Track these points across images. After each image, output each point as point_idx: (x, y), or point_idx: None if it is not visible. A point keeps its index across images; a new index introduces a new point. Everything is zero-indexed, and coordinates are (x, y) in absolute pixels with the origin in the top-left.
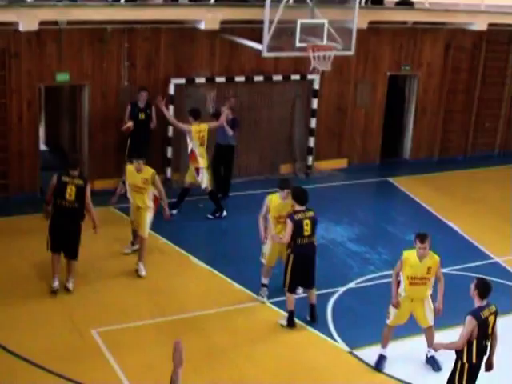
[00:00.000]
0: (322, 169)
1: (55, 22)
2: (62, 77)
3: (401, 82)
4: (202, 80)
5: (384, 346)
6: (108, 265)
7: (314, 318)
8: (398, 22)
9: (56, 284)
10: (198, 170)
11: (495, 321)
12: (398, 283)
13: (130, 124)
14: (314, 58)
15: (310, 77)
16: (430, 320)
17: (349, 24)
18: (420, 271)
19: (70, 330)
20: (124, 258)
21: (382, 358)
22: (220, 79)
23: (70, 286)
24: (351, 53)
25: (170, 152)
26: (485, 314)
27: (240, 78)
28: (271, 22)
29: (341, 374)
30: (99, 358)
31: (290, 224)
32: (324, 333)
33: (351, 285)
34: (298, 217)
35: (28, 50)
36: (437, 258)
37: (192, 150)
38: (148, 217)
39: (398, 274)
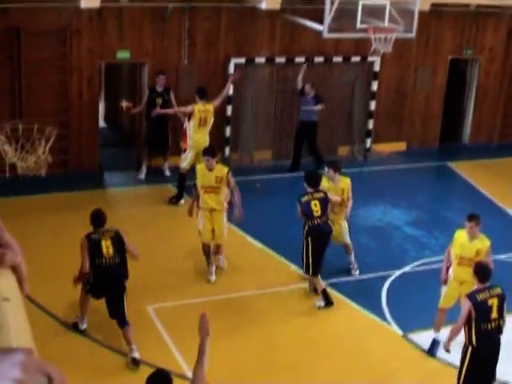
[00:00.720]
0: (380, 151)
1: (117, 0)
2: (123, 54)
3: (462, 66)
4: (261, 60)
5: (437, 330)
6: (166, 242)
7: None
8: (460, 4)
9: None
10: (184, 150)
11: (501, 304)
12: (450, 264)
13: (128, 104)
14: (374, 39)
15: (370, 59)
16: None
17: (411, 6)
18: (468, 252)
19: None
20: (186, 235)
21: (435, 343)
22: (280, 59)
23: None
24: (412, 35)
25: (228, 131)
26: (482, 296)
27: (300, 59)
28: (332, 3)
29: (394, 358)
30: (154, 335)
31: (297, 207)
32: (378, 315)
33: (407, 268)
34: (304, 199)
35: (89, 28)
36: (487, 242)
37: (185, 129)
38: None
39: (450, 252)
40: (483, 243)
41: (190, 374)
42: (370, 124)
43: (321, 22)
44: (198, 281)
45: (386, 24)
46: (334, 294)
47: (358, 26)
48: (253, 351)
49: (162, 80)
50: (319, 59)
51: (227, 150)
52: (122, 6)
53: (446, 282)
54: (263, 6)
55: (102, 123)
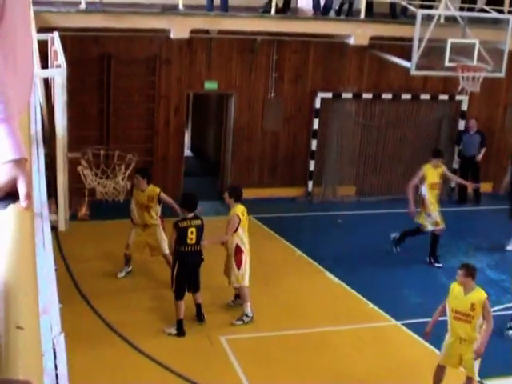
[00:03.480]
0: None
1: (206, 31)
2: (211, 85)
3: None
4: (348, 95)
5: None
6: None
7: (200, 316)
8: None
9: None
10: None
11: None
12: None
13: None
14: (462, 78)
15: (458, 97)
16: (474, 370)
17: (501, 45)
18: (463, 305)
19: (199, 333)
20: (259, 267)
21: None
22: (367, 95)
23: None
24: (502, 75)
25: (312, 165)
26: None
27: (387, 95)
28: (421, 40)
29: None
30: (226, 365)
31: (173, 231)
32: None
33: None
34: (182, 224)
35: (178, 57)
36: (483, 295)
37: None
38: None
39: (444, 306)
40: (478, 296)
41: None
42: (455, 163)
43: (409, 58)
44: (271, 314)
45: (475, 63)
46: (409, 333)
47: (446, 64)
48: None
49: None
50: (406, 96)
51: (310, 184)
52: (211, 38)
53: (428, 334)
54: (352, 41)
55: (187, 152)
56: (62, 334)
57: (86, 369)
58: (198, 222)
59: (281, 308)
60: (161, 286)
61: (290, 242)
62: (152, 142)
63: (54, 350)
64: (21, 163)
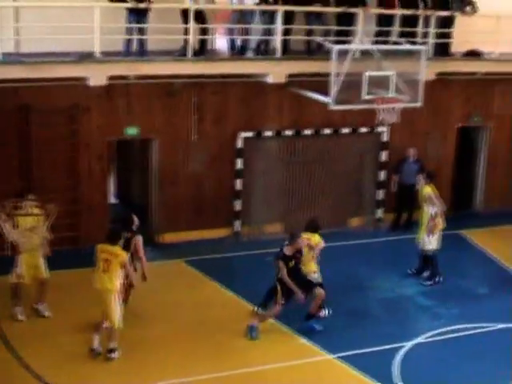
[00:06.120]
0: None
1: (124, 77)
2: (131, 131)
3: (472, 133)
4: (270, 133)
5: None
6: (172, 316)
7: None
8: (467, 72)
9: None
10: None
11: None
12: None
13: None
14: (381, 110)
15: (378, 129)
16: None
17: (416, 76)
18: None
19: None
20: (191, 309)
21: None
22: (288, 132)
23: None
24: (419, 105)
25: (238, 205)
26: None
27: (308, 131)
28: (338, 75)
29: None
30: None
31: None
32: None
33: (419, 339)
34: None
35: (98, 105)
36: None
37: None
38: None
39: None
40: None
41: None
42: (380, 194)
43: (327, 94)
44: (205, 355)
45: (392, 94)
46: (347, 368)
47: (364, 97)
48: None
49: None
50: (327, 131)
51: (237, 224)
52: (129, 83)
53: None
54: (270, 79)
55: (113, 199)
56: None
57: None
58: None
59: (213, 348)
60: None
61: (219, 283)
62: (76, 191)
63: None
64: None
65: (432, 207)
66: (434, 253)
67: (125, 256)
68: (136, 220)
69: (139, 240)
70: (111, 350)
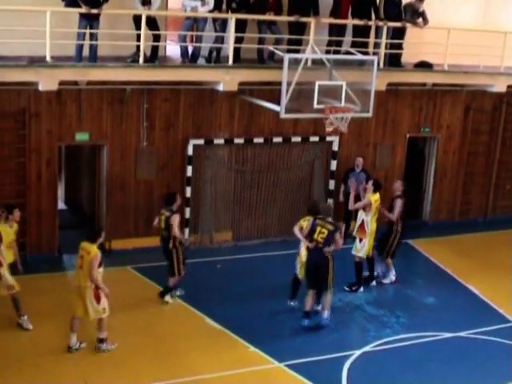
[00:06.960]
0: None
1: (75, 82)
2: (82, 136)
3: (420, 144)
4: (220, 141)
5: None
6: (120, 324)
7: None
8: (417, 83)
9: None
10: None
11: None
12: None
13: None
14: (331, 119)
15: (328, 138)
16: None
17: (367, 86)
18: None
19: None
20: (138, 316)
21: None
22: (239, 140)
23: None
24: (369, 115)
25: (188, 213)
26: None
27: (259, 140)
28: (289, 84)
29: None
30: None
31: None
32: None
33: (367, 348)
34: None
35: (48, 110)
36: None
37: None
38: None
39: None
40: None
41: None
42: (330, 203)
43: (278, 102)
44: (150, 363)
45: (343, 104)
46: (295, 376)
47: (315, 106)
48: None
49: None
50: (278, 139)
51: (186, 232)
52: (80, 89)
53: None
54: (221, 87)
55: (61, 205)
56: None
57: None
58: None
59: (160, 357)
60: None
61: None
62: (24, 197)
63: None
64: None
65: (366, 214)
66: (361, 260)
67: (93, 254)
68: (179, 200)
69: (175, 218)
70: (101, 340)
